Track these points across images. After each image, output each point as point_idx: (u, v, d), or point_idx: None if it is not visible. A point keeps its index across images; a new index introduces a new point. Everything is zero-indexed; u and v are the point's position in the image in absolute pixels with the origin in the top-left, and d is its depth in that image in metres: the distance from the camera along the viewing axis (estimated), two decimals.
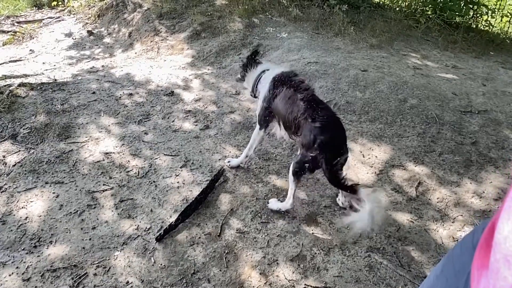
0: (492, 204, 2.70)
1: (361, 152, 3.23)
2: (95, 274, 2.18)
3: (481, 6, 6.58)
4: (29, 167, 3.02)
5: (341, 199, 2.68)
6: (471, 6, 6.46)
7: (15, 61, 5.85)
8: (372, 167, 3.05)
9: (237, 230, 2.47)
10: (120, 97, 4.09)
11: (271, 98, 2.68)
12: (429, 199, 2.75)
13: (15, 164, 3.06)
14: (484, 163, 3.08)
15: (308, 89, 2.54)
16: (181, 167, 3.04)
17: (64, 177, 2.94)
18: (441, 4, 6.44)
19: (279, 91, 2.63)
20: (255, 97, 2.95)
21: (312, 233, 2.45)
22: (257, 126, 2.90)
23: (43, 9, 8.63)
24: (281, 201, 2.63)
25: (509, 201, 0.62)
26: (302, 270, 2.21)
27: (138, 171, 3.01)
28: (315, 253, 2.31)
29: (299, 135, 2.43)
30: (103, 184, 2.87)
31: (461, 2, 6.37)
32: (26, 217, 2.57)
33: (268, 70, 2.83)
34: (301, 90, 2.51)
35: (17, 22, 7.73)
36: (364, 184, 2.87)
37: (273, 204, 2.65)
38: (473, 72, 4.88)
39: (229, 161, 3.07)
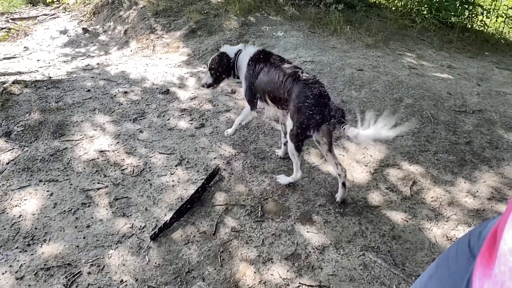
0: (486, 203, 2.72)
1: (356, 151, 3.24)
2: (89, 273, 2.17)
3: (477, 6, 6.61)
4: (23, 165, 3.00)
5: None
6: (466, 6, 6.49)
7: (9, 58, 5.80)
8: (367, 166, 3.06)
9: (232, 229, 2.47)
10: (115, 95, 4.07)
11: (253, 76, 2.85)
12: (424, 198, 2.77)
13: (9, 162, 3.05)
14: (478, 163, 3.10)
15: (290, 61, 2.77)
16: (176, 166, 3.04)
17: (58, 175, 2.92)
18: (436, 4, 6.47)
19: (260, 68, 2.80)
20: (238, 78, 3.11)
21: (307, 231, 2.46)
22: (248, 107, 3.07)
23: (38, 6, 8.58)
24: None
25: None
26: (296, 268, 2.21)
27: (133, 170, 3.00)
28: (310, 251, 2.32)
29: (291, 98, 2.53)
30: (98, 183, 2.86)
31: (457, 2, 6.40)
32: (20, 215, 2.55)
33: (241, 50, 2.98)
34: (284, 61, 2.74)
35: (12, 19, 7.68)
36: (359, 183, 2.88)
37: (283, 179, 2.85)
38: (468, 72, 4.90)
39: (227, 132, 3.36)
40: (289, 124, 2.59)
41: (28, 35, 6.93)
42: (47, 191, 2.77)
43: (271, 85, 2.69)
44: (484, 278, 0.62)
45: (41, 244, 2.34)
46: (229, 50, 3.02)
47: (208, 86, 3.14)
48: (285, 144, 3.10)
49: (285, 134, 3.04)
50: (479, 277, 0.64)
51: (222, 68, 3.02)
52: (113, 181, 2.87)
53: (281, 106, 2.71)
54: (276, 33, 5.57)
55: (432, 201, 2.74)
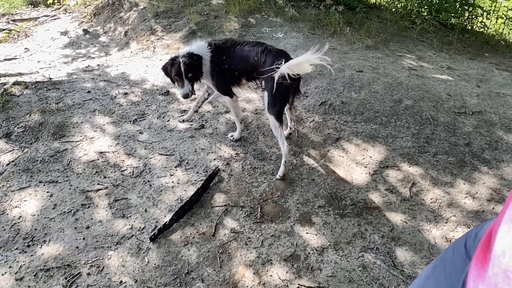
0: (485, 205, 2.72)
1: (355, 152, 3.24)
2: (88, 274, 2.17)
3: (477, 8, 6.61)
4: (23, 166, 3.01)
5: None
6: (466, 7, 6.49)
7: (10, 59, 5.81)
8: (366, 167, 3.06)
9: (231, 230, 2.48)
10: (115, 96, 4.08)
11: (222, 66, 2.97)
12: (423, 199, 2.77)
13: (9, 163, 3.05)
14: (477, 164, 3.10)
15: (245, 41, 3.02)
16: (175, 167, 3.04)
17: (58, 176, 2.93)
18: (436, 6, 6.46)
19: (227, 55, 2.95)
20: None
21: (306, 233, 2.46)
22: (226, 98, 3.17)
23: (38, 7, 8.59)
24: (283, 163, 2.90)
25: (509, 212, 0.61)
26: (295, 270, 2.22)
27: (133, 171, 3.00)
28: (309, 253, 2.32)
29: (264, 71, 2.71)
30: (98, 184, 2.86)
31: (457, 4, 6.39)
32: (20, 216, 2.56)
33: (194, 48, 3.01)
34: (246, 42, 2.97)
35: (13, 20, 7.69)
36: (358, 184, 2.89)
37: (279, 172, 2.91)
38: (467, 73, 4.90)
39: (232, 136, 3.36)
40: (265, 98, 2.81)
41: (28, 36, 6.94)
42: (47, 192, 2.78)
43: (247, 64, 2.85)
44: (479, 279, 0.63)
45: (41, 245, 2.35)
46: (191, 50, 2.98)
47: (191, 94, 2.97)
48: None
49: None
50: (473, 279, 0.65)
51: (199, 70, 2.97)
52: (113, 182, 2.88)
53: (257, 81, 2.97)
54: (276, 34, 5.57)
55: (431, 203, 2.74)
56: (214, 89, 3.22)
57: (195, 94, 3.07)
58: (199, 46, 3.00)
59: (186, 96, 2.95)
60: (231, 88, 3.12)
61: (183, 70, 2.87)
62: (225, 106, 3.91)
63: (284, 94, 2.73)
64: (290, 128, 3.34)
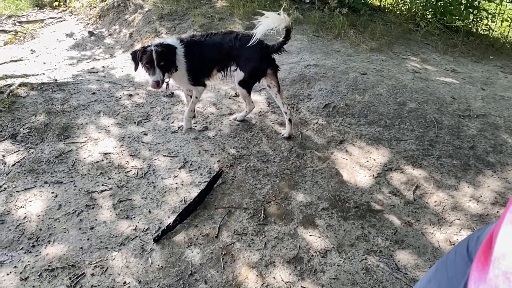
0: (490, 208, 2.71)
1: (359, 155, 3.24)
2: (92, 274, 2.19)
3: (481, 11, 6.59)
4: (29, 166, 3.04)
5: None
6: (471, 10, 6.47)
7: (16, 61, 5.87)
8: (370, 170, 3.06)
9: (234, 232, 2.48)
10: (120, 98, 4.11)
11: (195, 59, 3.09)
12: (427, 202, 2.76)
13: (15, 163, 3.08)
14: (482, 167, 3.09)
15: (211, 32, 3.23)
16: (179, 168, 3.06)
17: (63, 177, 2.95)
18: (441, 8, 6.45)
19: (198, 49, 3.10)
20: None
21: (310, 235, 2.46)
22: (200, 88, 3.29)
23: (44, 9, 8.66)
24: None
25: (509, 215, 0.62)
26: (299, 272, 2.22)
27: (137, 172, 3.02)
28: (312, 255, 2.32)
29: (239, 54, 3.05)
30: (102, 185, 2.88)
31: (462, 6, 6.39)
32: (25, 217, 2.58)
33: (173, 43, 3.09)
34: (214, 33, 3.18)
35: (19, 22, 7.76)
36: (361, 186, 2.89)
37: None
38: (472, 76, 4.89)
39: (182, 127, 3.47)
40: (239, 75, 3.13)
41: (34, 38, 7.00)
42: (52, 192, 2.80)
43: (222, 50, 3.05)
44: (479, 281, 0.63)
45: (46, 245, 2.37)
46: (164, 42, 3.05)
47: (162, 83, 2.94)
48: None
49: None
50: (474, 281, 0.65)
51: (172, 60, 2.98)
52: (117, 183, 2.89)
53: (225, 70, 3.22)
54: (280, 37, 5.58)
55: (435, 206, 2.73)
56: (187, 83, 3.22)
57: (167, 87, 3.23)
58: (173, 42, 3.06)
59: (157, 84, 2.88)
60: (204, 79, 3.28)
61: (155, 58, 2.84)
62: (229, 108, 3.93)
63: (257, 75, 3.13)
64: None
